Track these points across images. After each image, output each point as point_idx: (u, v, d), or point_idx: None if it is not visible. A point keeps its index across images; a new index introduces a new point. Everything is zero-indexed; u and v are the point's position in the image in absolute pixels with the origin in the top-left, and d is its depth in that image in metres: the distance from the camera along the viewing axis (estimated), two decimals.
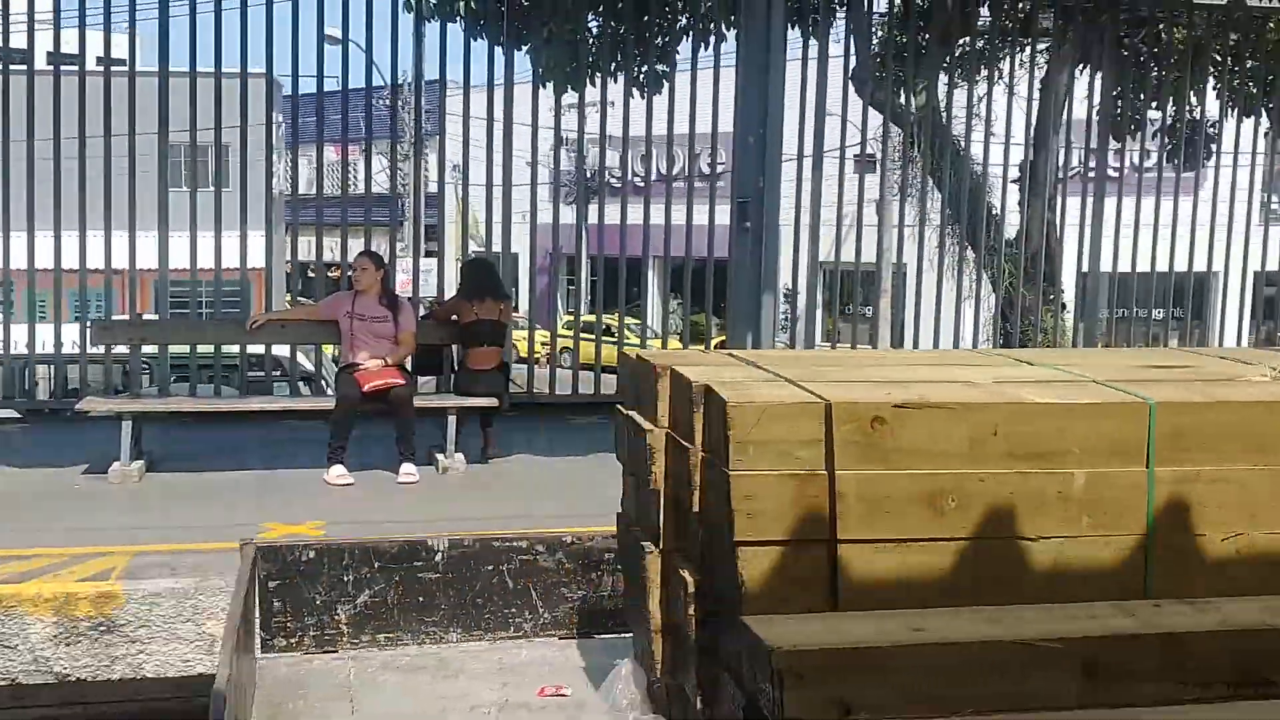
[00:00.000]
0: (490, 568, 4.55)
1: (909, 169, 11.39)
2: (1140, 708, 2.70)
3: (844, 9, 10.90)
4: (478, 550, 4.55)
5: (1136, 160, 10.94)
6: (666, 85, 10.16)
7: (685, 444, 3.34)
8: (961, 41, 11.19)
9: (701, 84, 9.46)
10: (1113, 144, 10.81)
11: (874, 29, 11.75)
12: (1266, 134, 11.46)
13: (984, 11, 10.62)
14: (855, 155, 11.68)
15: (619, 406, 4.07)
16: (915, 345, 11.30)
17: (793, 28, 10.14)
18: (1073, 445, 3.05)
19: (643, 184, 10.32)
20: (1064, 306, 12.26)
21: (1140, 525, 3.09)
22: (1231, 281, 11.37)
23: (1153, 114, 11.58)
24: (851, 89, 10.48)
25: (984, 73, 10.45)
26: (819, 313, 12.26)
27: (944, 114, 11.20)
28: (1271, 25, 10.93)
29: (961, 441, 3.01)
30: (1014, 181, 11.18)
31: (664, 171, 10.79)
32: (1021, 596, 3.00)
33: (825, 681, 2.63)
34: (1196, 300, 11.42)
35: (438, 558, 4.49)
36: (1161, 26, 10.98)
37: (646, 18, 9.98)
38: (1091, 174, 10.59)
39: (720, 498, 3.04)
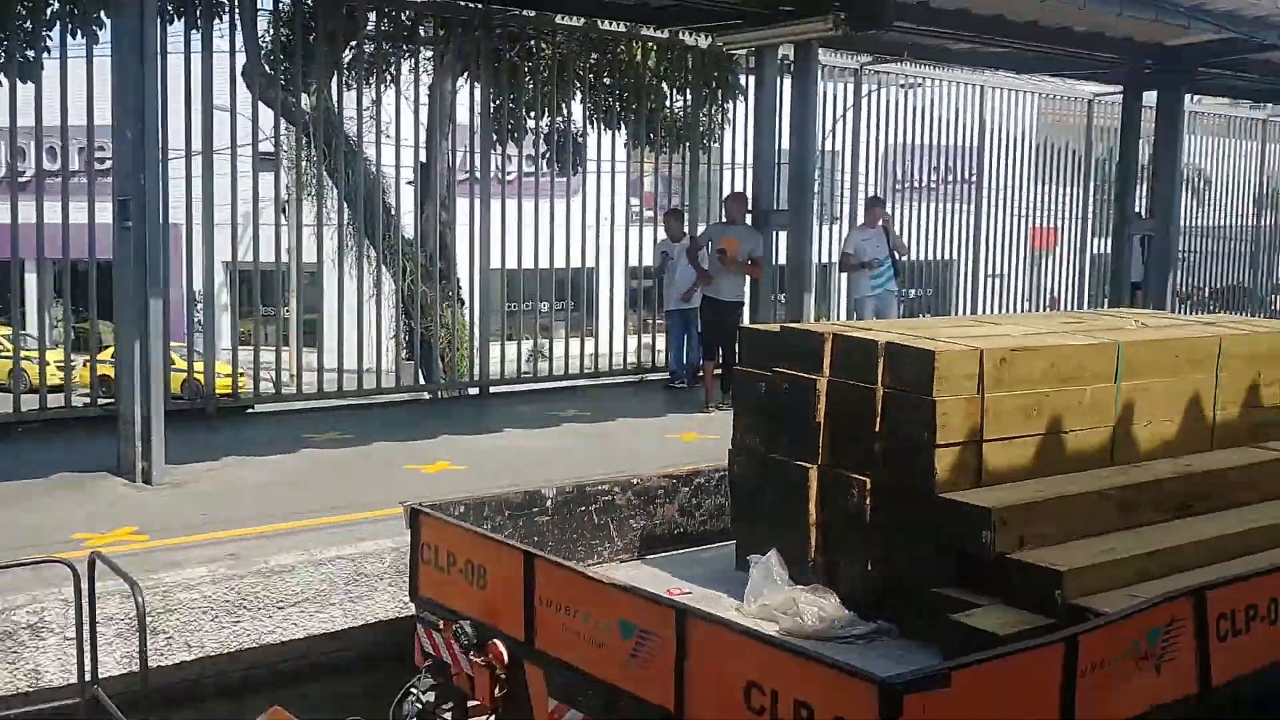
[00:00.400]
0: (583, 508, 5.56)
1: (307, 168, 11.43)
2: (1147, 525, 4.69)
3: (230, 3, 10.68)
4: (575, 495, 5.57)
5: (520, 165, 11.87)
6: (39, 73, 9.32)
7: (861, 385, 4.79)
8: (351, 44, 11.44)
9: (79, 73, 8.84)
10: (497, 149, 11.65)
11: (267, 27, 11.65)
12: (626, 144, 12.97)
13: (371, 16, 10.94)
14: (257, 153, 11.50)
15: (747, 368, 5.44)
16: (323, 340, 11.38)
17: (179, 18, 9.79)
18: (1085, 372, 4.99)
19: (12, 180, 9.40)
20: (462, 302, 12.99)
21: (1111, 419, 5.08)
22: (608, 275, 12.72)
23: (533, 123, 12.59)
24: (243, 85, 10.33)
25: (375, 76, 10.78)
26: (226, 315, 11.93)
27: (338, 114, 11.38)
28: (623, 47, 12.36)
29: (1039, 372, 4.84)
30: (409, 183, 11.65)
31: (38, 167, 9.87)
32: (1066, 468, 4.88)
33: (1014, 525, 4.34)
34: (580, 293, 12.62)
35: (548, 504, 5.48)
36: (533, 42, 11.98)
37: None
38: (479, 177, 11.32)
39: (914, 418, 4.59)
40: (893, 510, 4.69)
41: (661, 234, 12.08)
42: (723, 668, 3.61)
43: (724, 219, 11.13)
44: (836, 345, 4.94)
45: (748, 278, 10.97)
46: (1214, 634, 3.95)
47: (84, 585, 4.76)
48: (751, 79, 11.93)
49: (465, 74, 12.01)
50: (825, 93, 13.48)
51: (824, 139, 13.58)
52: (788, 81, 10.98)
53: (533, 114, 12.24)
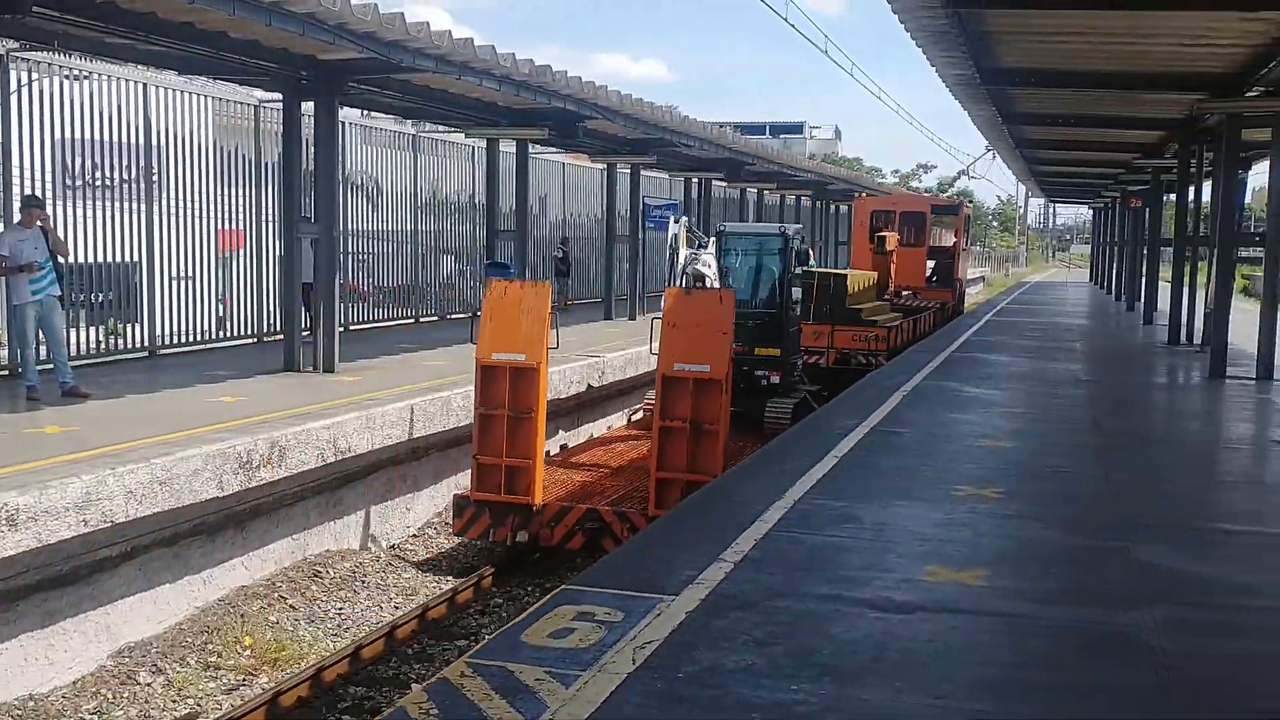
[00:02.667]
0: None
1: None
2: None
3: None
4: None
5: None
6: None
7: (823, 283, 20.16)
8: None
9: None
10: None
11: None
12: None
13: None
14: None
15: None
16: None
17: None
18: (862, 278, 22.84)
19: None
20: None
21: (867, 291, 22.89)
22: None
23: None
24: None
25: None
26: None
27: None
28: None
29: (859, 278, 22.37)
30: None
31: None
32: (867, 300, 22.50)
33: (866, 313, 21.25)
34: None
35: None
36: None
37: None
38: None
39: (840, 289, 20.46)
40: (834, 311, 19.64)
41: None
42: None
43: None
44: (820, 276, 20.30)
45: None
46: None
47: None
48: None
49: None
50: None
51: None
52: None
53: None
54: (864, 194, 35.99)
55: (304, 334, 14.41)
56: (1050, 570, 6.51)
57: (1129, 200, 34.42)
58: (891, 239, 26.67)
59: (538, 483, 11.37)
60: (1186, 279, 21.48)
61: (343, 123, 18.31)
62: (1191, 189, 22.48)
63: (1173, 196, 25.88)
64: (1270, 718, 4.59)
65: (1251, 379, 15.48)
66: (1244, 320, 18.20)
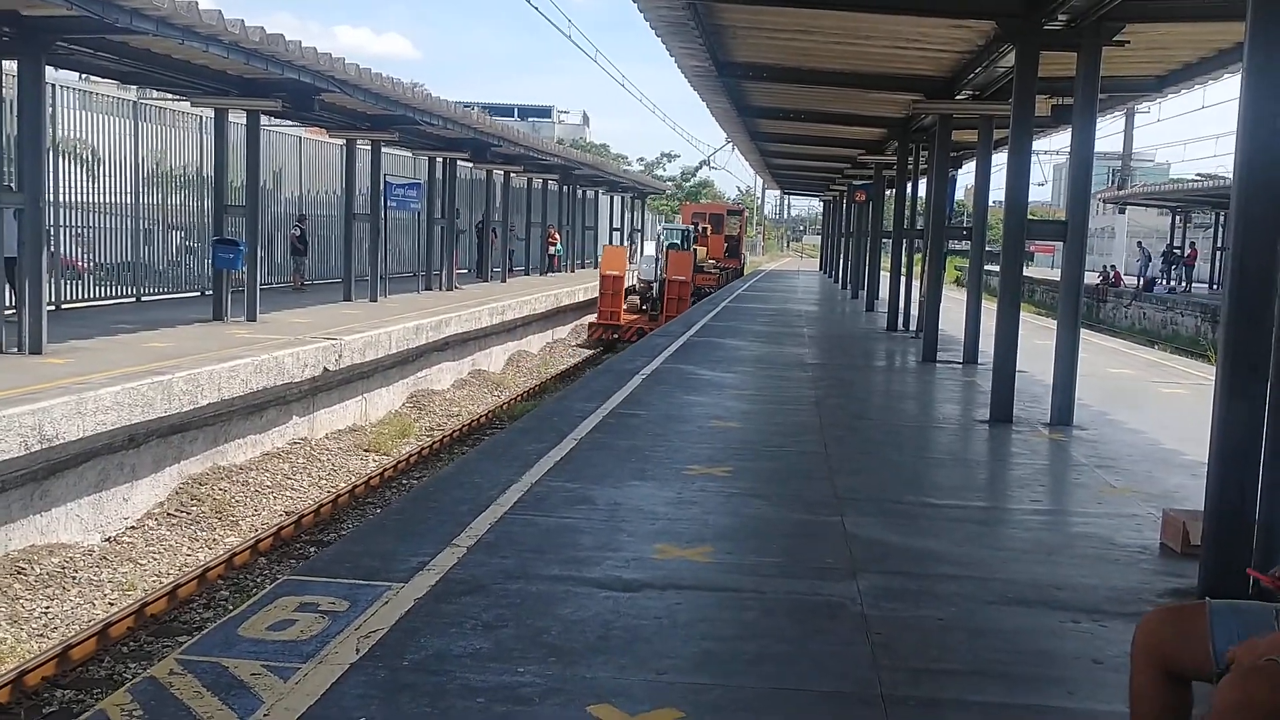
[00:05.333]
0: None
1: None
2: None
3: None
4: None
5: None
6: None
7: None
8: None
9: None
10: None
11: None
12: None
13: None
14: None
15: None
16: None
17: None
18: (705, 256, 43.74)
19: None
20: None
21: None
22: None
23: None
24: None
25: None
26: None
27: None
28: None
29: (704, 254, 43.95)
30: None
31: None
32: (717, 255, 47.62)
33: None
34: None
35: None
36: None
37: None
38: None
39: (696, 258, 38.15)
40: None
41: None
42: None
43: None
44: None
45: None
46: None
47: None
48: None
49: None
50: None
51: None
52: None
53: None
54: (686, 201, 69.61)
55: (8, 312, 13.34)
56: (771, 545, 6.80)
57: (855, 194, 36.39)
58: (709, 229, 47.36)
59: (621, 318, 31.69)
60: (904, 270, 22.92)
61: (55, 85, 17.02)
62: (910, 185, 23.97)
63: (893, 191, 27.50)
64: (958, 674, 4.97)
65: (959, 363, 16.70)
66: (955, 308, 19.60)
